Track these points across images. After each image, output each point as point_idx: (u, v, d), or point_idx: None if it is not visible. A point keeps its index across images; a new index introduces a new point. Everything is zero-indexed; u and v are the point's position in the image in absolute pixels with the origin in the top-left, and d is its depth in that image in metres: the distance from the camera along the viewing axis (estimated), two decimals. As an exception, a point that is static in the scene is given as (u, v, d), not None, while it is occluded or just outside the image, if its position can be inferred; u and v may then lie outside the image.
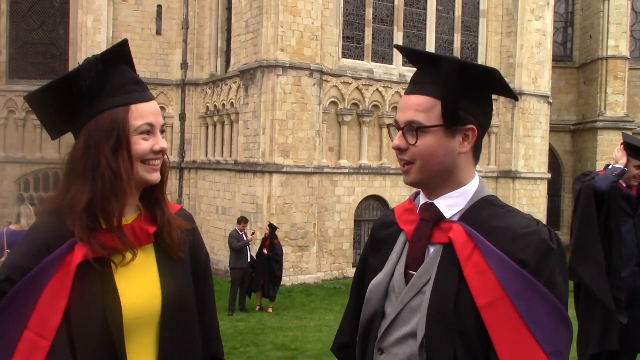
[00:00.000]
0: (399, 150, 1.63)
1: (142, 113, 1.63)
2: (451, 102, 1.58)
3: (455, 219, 1.62)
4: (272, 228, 14.20)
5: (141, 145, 1.63)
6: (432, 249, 1.62)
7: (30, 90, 1.70)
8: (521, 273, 1.47)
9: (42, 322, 1.49)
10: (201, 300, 1.82)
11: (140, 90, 1.67)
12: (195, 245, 1.86)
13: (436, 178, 1.63)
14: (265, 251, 13.73)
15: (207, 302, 1.88)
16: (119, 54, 1.68)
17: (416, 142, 1.59)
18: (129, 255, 1.62)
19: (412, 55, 1.70)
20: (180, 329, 1.70)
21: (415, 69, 1.71)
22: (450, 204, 1.64)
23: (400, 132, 1.62)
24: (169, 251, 1.72)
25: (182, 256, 1.76)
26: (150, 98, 1.69)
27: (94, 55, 1.63)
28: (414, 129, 1.59)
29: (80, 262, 1.55)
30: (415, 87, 1.64)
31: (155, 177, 1.68)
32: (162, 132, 1.70)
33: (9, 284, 1.51)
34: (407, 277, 1.64)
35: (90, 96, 1.61)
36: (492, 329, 1.47)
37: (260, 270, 13.57)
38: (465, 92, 1.59)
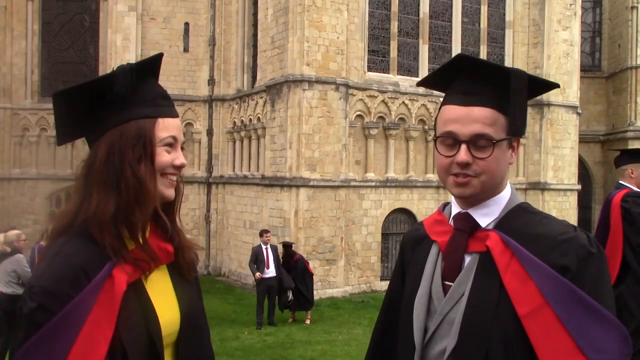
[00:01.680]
0: (464, 165, 1.57)
1: (167, 126, 1.62)
2: (519, 117, 1.56)
3: (490, 227, 1.61)
4: (286, 245, 14.19)
5: (164, 156, 1.61)
6: (467, 259, 1.61)
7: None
8: (561, 280, 1.46)
9: (84, 354, 1.39)
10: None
11: (167, 105, 1.66)
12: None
13: (489, 190, 1.61)
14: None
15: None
16: (152, 66, 1.68)
17: (489, 156, 1.55)
18: (150, 273, 1.60)
19: (479, 66, 1.65)
20: (196, 345, 1.71)
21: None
22: (485, 213, 1.63)
23: (465, 146, 1.56)
24: (181, 271, 1.72)
25: (193, 275, 1.77)
26: (175, 114, 1.68)
27: (128, 64, 1.60)
28: (484, 142, 1.55)
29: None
30: (473, 98, 1.58)
31: (171, 192, 1.66)
32: (182, 149, 1.69)
33: (42, 312, 1.40)
34: (445, 289, 1.62)
35: (120, 103, 1.57)
36: (534, 338, 1.45)
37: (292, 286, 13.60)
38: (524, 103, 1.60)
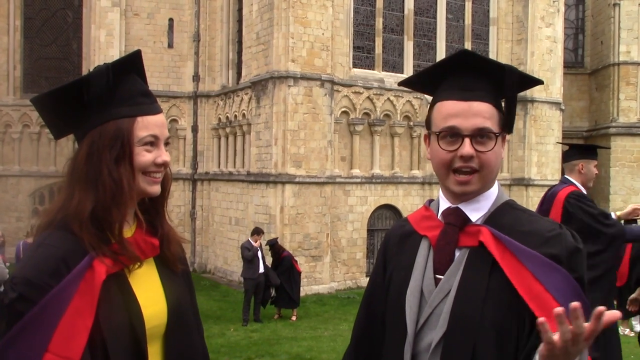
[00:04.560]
0: (467, 158, 1.60)
1: (147, 124, 1.62)
2: (512, 111, 1.64)
3: (479, 222, 1.65)
4: (270, 245, 14.11)
5: (144, 156, 1.62)
6: (457, 253, 1.64)
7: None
8: (556, 267, 1.51)
9: (65, 342, 1.41)
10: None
11: (147, 102, 1.66)
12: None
13: (487, 185, 1.66)
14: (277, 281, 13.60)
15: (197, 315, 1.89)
16: (131, 64, 1.67)
17: (492, 148, 1.60)
18: (134, 266, 1.62)
19: (480, 62, 1.66)
20: (185, 338, 1.72)
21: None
22: (476, 208, 1.67)
23: (468, 140, 1.59)
24: (168, 263, 1.73)
25: (180, 268, 1.78)
26: (157, 110, 1.67)
27: (105, 63, 1.61)
28: (486, 136, 1.60)
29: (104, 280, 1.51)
30: (472, 93, 1.61)
31: (155, 189, 1.67)
32: (167, 144, 1.69)
33: (23, 302, 1.42)
34: (437, 282, 1.65)
35: (98, 104, 1.59)
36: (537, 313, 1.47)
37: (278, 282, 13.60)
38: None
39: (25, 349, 1.40)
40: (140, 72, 1.71)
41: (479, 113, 1.59)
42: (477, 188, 1.63)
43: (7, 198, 24.52)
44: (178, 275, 1.76)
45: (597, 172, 4.75)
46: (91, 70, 1.63)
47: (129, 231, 1.66)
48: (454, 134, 1.61)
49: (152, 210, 1.72)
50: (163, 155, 1.66)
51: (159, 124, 1.66)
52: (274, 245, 14.10)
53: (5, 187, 24.60)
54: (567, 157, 4.88)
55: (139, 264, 1.62)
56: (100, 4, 20.92)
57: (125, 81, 1.64)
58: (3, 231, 16.92)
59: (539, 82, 1.75)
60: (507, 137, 1.72)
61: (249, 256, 13.21)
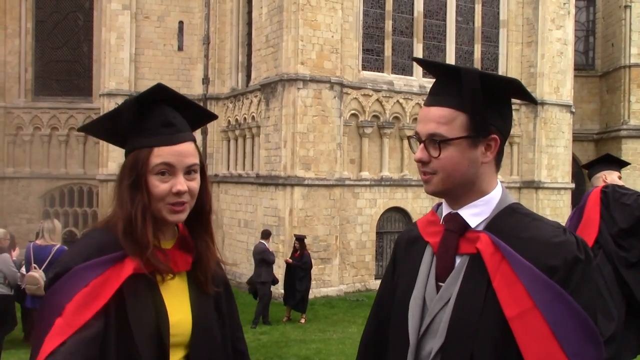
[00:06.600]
0: (421, 163, 1.62)
1: (162, 153, 1.67)
2: (478, 113, 1.57)
3: (480, 227, 1.62)
4: (299, 238, 14.28)
5: (158, 187, 1.66)
6: (458, 260, 1.62)
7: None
8: (550, 284, 1.48)
9: (75, 312, 1.52)
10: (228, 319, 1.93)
11: (168, 133, 1.69)
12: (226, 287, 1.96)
13: (458, 188, 1.62)
14: (289, 260, 13.81)
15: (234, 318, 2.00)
16: (158, 95, 1.72)
17: (439, 155, 1.58)
18: (167, 276, 1.69)
19: (431, 67, 1.70)
20: (208, 355, 1.76)
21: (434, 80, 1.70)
22: (475, 213, 1.63)
23: (422, 145, 1.61)
24: (199, 284, 1.78)
25: (214, 290, 1.82)
26: (177, 140, 1.70)
27: (133, 96, 1.71)
28: (436, 141, 1.58)
29: (131, 274, 1.61)
30: (434, 98, 1.62)
31: (176, 218, 1.70)
32: (190, 173, 1.71)
33: (56, 280, 1.59)
34: (438, 290, 1.63)
35: (128, 134, 1.71)
36: (521, 341, 1.46)
37: (289, 282, 13.68)
38: (486, 102, 1.58)
39: (47, 313, 1.56)
40: (176, 100, 1.75)
41: (433, 118, 1.60)
42: (436, 189, 1.64)
43: (18, 200, 24.69)
44: (209, 296, 1.81)
45: (622, 184, 4.75)
46: (120, 103, 1.75)
47: (169, 243, 1.76)
48: (419, 139, 1.64)
49: (196, 229, 1.81)
50: (178, 184, 1.67)
51: (177, 153, 1.68)
52: (302, 240, 14.26)
53: (16, 189, 24.77)
54: (590, 173, 5.03)
55: (171, 275, 1.69)
56: (111, 6, 21.04)
57: (151, 111, 1.71)
58: (14, 233, 17.03)
59: (515, 81, 1.65)
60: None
61: (273, 260, 13.41)
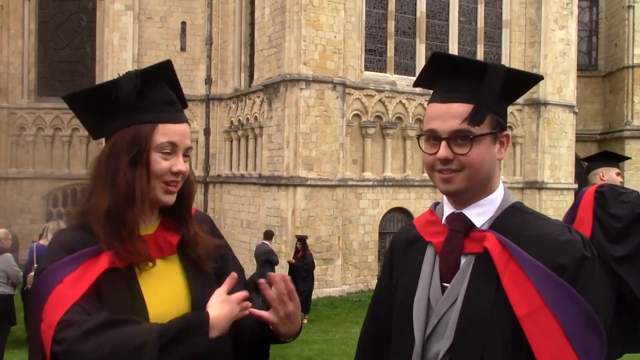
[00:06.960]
0: (445, 161, 1.57)
1: (167, 132, 1.65)
2: (500, 110, 1.58)
3: (485, 227, 1.61)
4: (300, 239, 14.28)
5: (159, 163, 1.64)
6: (463, 260, 1.60)
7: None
8: (559, 282, 1.47)
9: (50, 311, 1.50)
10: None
11: (171, 111, 1.70)
12: (224, 259, 1.87)
13: (477, 186, 1.60)
14: (292, 260, 13.82)
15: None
16: (160, 73, 1.72)
17: (469, 152, 1.55)
18: (149, 264, 1.65)
19: (460, 62, 1.64)
20: None
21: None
22: (479, 212, 1.62)
23: (445, 142, 1.57)
24: (195, 263, 1.75)
25: (210, 267, 1.78)
26: (180, 120, 1.71)
27: (135, 70, 1.68)
28: (467, 137, 1.55)
29: (107, 269, 1.57)
30: (454, 95, 1.58)
31: (169, 199, 1.69)
32: (187, 155, 1.71)
33: None
34: (443, 290, 1.61)
35: (124, 107, 1.64)
36: (533, 339, 1.46)
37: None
38: (501, 98, 1.58)
39: (31, 321, 1.55)
40: (172, 82, 1.75)
41: (456, 115, 1.55)
42: (460, 187, 1.59)
43: (21, 200, 24.73)
44: (208, 274, 1.78)
45: (621, 180, 4.75)
46: (121, 74, 1.68)
47: (150, 228, 1.71)
48: (435, 137, 1.59)
49: (177, 214, 1.76)
50: (179, 164, 1.67)
51: (180, 132, 1.69)
52: (304, 241, 14.26)
53: (19, 190, 24.81)
54: (588, 169, 5.01)
55: (151, 263, 1.65)
56: (114, 7, 21.08)
57: (153, 89, 1.69)
58: (17, 233, 17.07)
59: (539, 77, 1.68)
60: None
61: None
